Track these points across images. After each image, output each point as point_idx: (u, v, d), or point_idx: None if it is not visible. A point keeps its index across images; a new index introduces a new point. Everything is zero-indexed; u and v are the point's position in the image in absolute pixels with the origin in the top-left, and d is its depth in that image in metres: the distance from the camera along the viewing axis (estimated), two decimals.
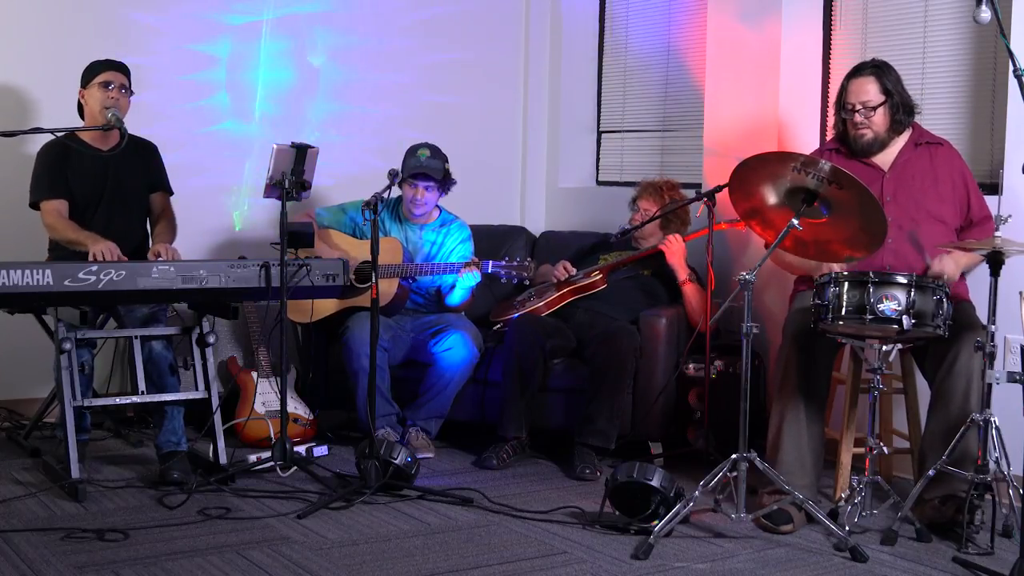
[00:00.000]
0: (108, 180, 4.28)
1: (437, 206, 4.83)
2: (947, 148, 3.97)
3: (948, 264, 3.69)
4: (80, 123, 4.29)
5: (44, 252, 4.31)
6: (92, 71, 4.23)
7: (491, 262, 4.45)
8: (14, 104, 4.70)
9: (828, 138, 4.25)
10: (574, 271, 4.72)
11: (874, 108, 3.87)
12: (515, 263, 4.41)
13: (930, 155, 3.93)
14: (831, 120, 4.14)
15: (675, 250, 4.57)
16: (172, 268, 3.85)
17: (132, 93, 4.27)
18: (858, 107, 3.88)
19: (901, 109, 3.90)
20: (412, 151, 4.66)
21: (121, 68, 4.26)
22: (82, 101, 4.26)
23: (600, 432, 4.32)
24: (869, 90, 3.87)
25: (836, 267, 3.73)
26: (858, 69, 3.94)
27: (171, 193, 4.49)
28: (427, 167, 4.60)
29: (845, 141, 4.00)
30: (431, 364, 4.55)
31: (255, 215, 5.23)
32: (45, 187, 4.23)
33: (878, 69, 3.90)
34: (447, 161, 4.67)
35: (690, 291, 4.55)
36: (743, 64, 4.85)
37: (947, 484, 3.54)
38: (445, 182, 4.68)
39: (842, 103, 3.94)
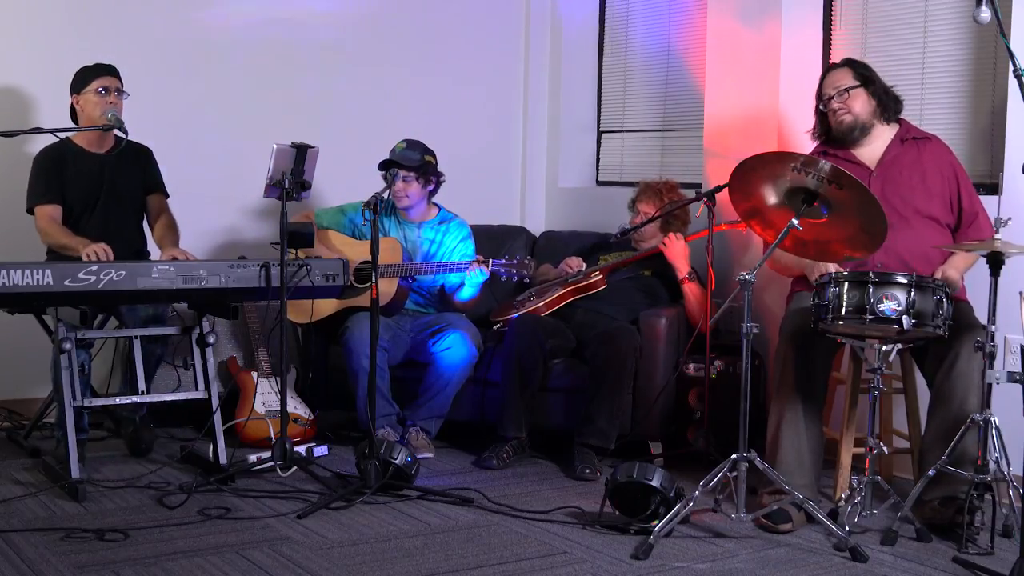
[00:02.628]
0: (104, 183, 4.29)
1: (436, 204, 4.84)
2: (936, 142, 3.98)
3: (951, 272, 3.69)
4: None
5: (43, 252, 4.31)
6: (85, 78, 4.23)
7: (491, 260, 4.45)
8: (14, 104, 4.70)
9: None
10: (583, 265, 4.73)
11: (848, 90, 3.92)
12: (515, 261, 4.41)
13: (918, 150, 3.95)
14: None
15: (675, 248, 4.57)
16: (172, 268, 3.85)
17: (127, 95, 4.27)
18: (833, 94, 3.95)
19: (881, 93, 3.95)
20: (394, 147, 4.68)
21: (113, 71, 4.27)
22: (76, 107, 4.26)
23: (600, 432, 4.33)
24: (843, 77, 3.96)
25: (832, 267, 3.74)
26: (832, 65, 4.09)
27: (167, 196, 4.49)
28: (398, 157, 4.59)
29: (827, 143, 4.03)
30: (430, 364, 4.55)
31: (255, 215, 5.23)
32: (40, 192, 4.25)
33: (851, 61, 4.03)
34: (428, 153, 4.65)
35: (690, 290, 4.55)
36: (743, 64, 4.85)
37: (947, 484, 3.54)
38: (426, 174, 4.65)
39: (820, 100, 4.00)
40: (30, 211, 4.27)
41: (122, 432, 4.43)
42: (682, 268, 4.57)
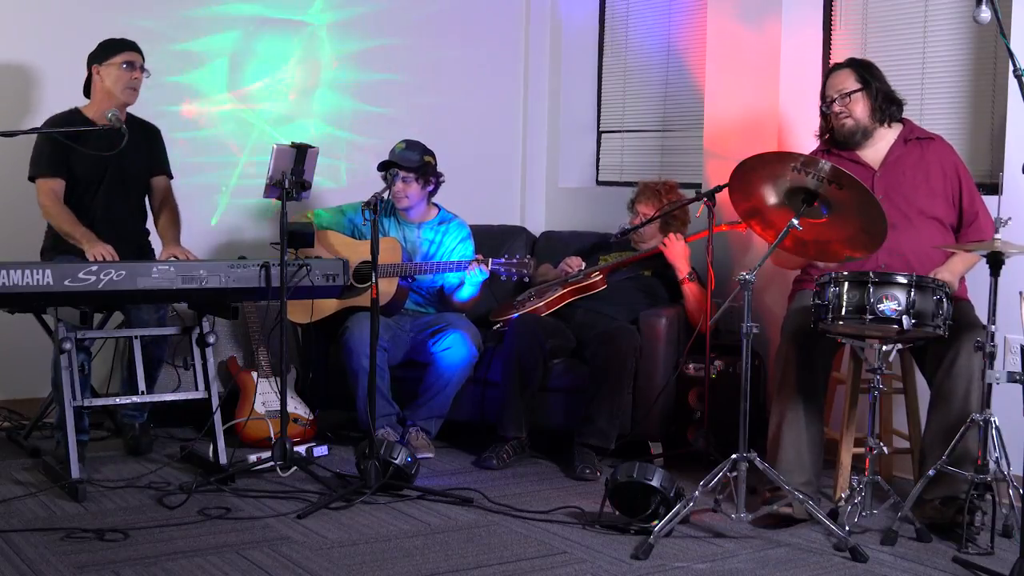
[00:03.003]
0: (111, 160, 4.27)
1: (436, 205, 4.84)
2: (939, 142, 3.98)
3: (945, 275, 3.68)
4: (84, 100, 4.30)
5: (43, 252, 4.31)
6: (110, 50, 4.22)
7: (491, 260, 4.45)
8: (17, 89, 4.69)
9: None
10: (583, 264, 4.73)
11: (850, 94, 3.92)
12: (515, 260, 4.41)
13: (921, 150, 3.95)
14: None
15: (675, 249, 4.57)
16: (172, 268, 3.85)
17: (148, 73, 4.28)
18: (835, 97, 3.95)
19: (882, 97, 3.94)
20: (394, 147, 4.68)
21: (138, 48, 4.28)
22: (96, 77, 4.25)
23: (600, 432, 4.32)
24: (845, 80, 3.95)
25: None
26: (836, 65, 4.05)
27: (171, 177, 4.49)
28: (398, 158, 4.59)
29: (831, 143, 4.03)
30: (430, 364, 4.55)
31: (255, 215, 5.23)
32: (44, 164, 4.22)
33: (855, 62, 4.01)
34: (427, 153, 4.65)
35: (690, 290, 4.55)
36: (743, 64, 4.85)
37: (947, 484, 3.54)
38: (425, 175, 4.65)
39: (823, 101, 4.00)
40: (32, 179, 4.25)
41: (123, 436, 4.43)
42: (682, 268, 4.57)
